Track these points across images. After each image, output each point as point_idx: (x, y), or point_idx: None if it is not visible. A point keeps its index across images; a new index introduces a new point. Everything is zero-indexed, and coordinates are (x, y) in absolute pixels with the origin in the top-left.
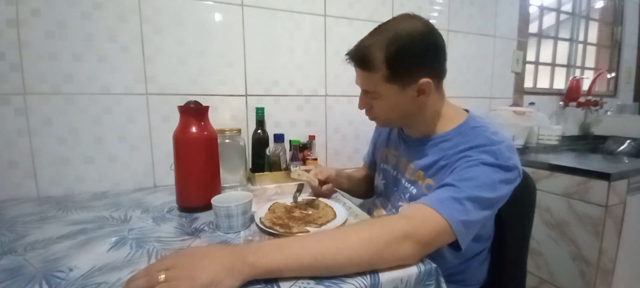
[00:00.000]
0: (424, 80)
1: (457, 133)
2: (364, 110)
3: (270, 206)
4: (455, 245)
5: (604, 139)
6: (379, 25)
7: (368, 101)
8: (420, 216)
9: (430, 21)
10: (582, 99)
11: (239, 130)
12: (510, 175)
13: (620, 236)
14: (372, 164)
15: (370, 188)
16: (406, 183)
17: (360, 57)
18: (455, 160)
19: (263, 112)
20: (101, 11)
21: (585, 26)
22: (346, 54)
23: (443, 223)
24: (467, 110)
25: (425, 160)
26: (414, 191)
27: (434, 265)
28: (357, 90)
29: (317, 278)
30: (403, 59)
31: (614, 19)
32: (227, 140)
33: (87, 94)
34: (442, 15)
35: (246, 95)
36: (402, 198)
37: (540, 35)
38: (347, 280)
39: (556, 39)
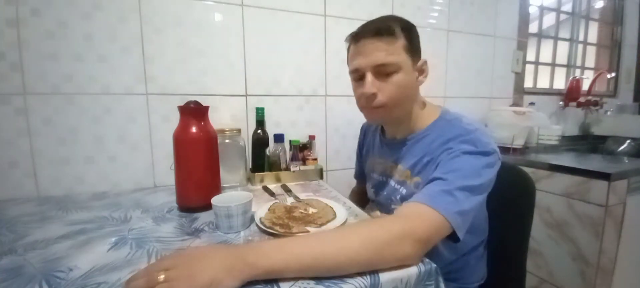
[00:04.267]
0: (424, 59)
1: (434, 128)
2: (362, 104)
3: (270, 206)
4: (452, 238)
5: (604, 139)
6: (372, 19)
7: (378, 82)
8: (416, 214)
9: (430, 21)
10: (582, 99)
11: (239, 130)
12: (490, 159)
13: (620, 236)
14: (363, 176)
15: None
16: (395, 185)
17: (379, 26)
18: (438, 154)
19: (263, 112)
20: (101, 11)
21: (585, 26)
22: (357, 32)
23: (439, 218)
24: (440, 106)
25: (410, 159)
26: (404, 191)
27: (434, 265)
28: None
29: (317, 278)
30: (414, 31)
31: (614, 19)
32: (227, 140)
33: (87, 94)
34: (442, 15)
35: (246, 95)
36: (393, 200)
37: (540, 35)
38: (347, 280)
39: (556, 39)
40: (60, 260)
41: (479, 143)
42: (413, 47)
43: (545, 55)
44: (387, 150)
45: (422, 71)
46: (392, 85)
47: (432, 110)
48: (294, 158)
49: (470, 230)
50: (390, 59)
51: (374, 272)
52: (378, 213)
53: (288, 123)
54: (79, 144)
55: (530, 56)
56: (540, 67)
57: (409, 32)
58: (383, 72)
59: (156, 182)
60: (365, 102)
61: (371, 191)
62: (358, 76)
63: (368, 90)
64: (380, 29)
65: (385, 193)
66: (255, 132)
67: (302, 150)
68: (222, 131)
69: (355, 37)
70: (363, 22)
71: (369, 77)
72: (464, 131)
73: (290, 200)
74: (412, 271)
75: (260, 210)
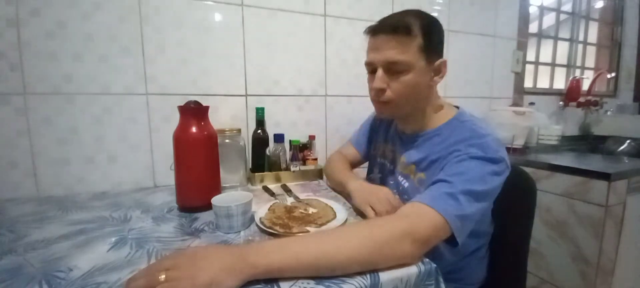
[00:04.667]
0: (443, 60)
1: (447, 128)
2: (373, 99)
3: (270, 206)
4: (452, 241)
5: (604, 139)
6: (394, 13)
7: (388, 79)
8: (417, 214)
9: None
10: (582, 99)
11: (239, 130)
12: (498, 167)
13: (620, 236)
14: (366, 154)
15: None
16: (399, 176)
17: (397, 23)
18: (446, 155)
19: (263, 112)
20: (101, 11)
21: (585, 26)
22: (374, 27)
23: (439, 219)
24: (457, 107)
25: (416, 155)
26: (406, 184)
27: (433, 265)
28: (357, 90)
29: (317, 278)
30: (435, 31)
31: (614, 19)
32: (227, 140)
33: (87, 94)
34: (442, 15)
35: (246, 95)
36: (395, 191)
37: (540, 35)
38: (347, 280)
39: (556, 39)
40: (60, 260)
41: (488, 149)
42: (431, 47)
43: (545, 55)
44: (399, 140)
45: (438, 71)
46: (401, 83)
47: (448, 110)
48: (294, 158)
49: (474, 235)
50: (402, 58)
51: (374, 271)
52: None
53: (288, 123)
54: (79, 144)
55: (530, 56)
56: (540, 67)
57: (429, 31)
58: (394, 69)
59: (156, 182)
60: (374, 96)
61: (377, 176)
62: (371, 69)
63: (377, 85)
64: (397, 26)
65: (391, 182)
66: (255, 132)
67: (302, 150)
68: (222, 131)
69: (373, 31)
70: (363, 22)
71: (380, 72)
72: (474, 135)
73: (290, 200)
74: (412, 271)
75: (260, 210)
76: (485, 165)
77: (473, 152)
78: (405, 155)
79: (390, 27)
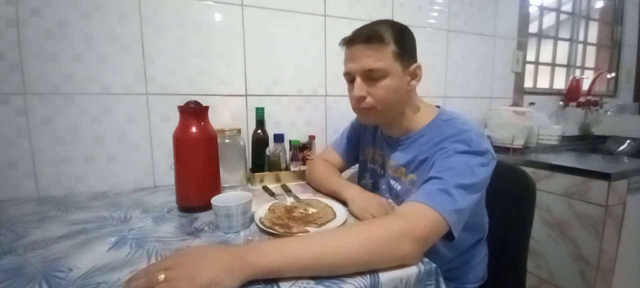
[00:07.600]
0: (417, 64)
1: (431, 128)
2: (355, 107)
3: (270, 206)
4: (448, 236)
5: (604, 139)
6: (366, 24)
7: (367, 86)
8: (414, 213)
9: (430, 21)
10: (582, 99)
11: (239, 130)
12: (484, 159)
13: (620, 236)
14: (351, 160)
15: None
16: (391, 180)
17: (370, 32)
18: (433, 153)
19: (263, 112)
20: (101, 11)
21: (585, 26)
22: (349, 38)
23: (436, 216)
24: (438, 106)
25: (405, 157)
26: (398, 187)
27: (433, 265)
28: None
29: (317, 278)
30: (406, 38)
31: (614, 19)
32: (227, 140)
33: (87, 94)
34: (442, 15)
35: (246, 95)
36: (388, 195)
37: (540, 35)
38: (347, 280)
39: (556, 39)
40: (60, 260)
41: (472, 143)
42: (404, 53)
43: (545, 55)
44: (386, 144)
45: (414, 75)
46: (380, 89)
47: (429, 111)
48: (294, 159)
49: (468, 228)
50: (378, 65)
51: (373, 271)
52: None
53: (288, 123)
54: (79, 144)
55: (530, 56)
56: (540, 67)
57: (401, 38)
58: (371, 76)
59: (156, 182)
60: (356, 104)
61: (369, 182)
62: (350, 79)
63: (357, 93)
64: (370, 36)
65: (383, 186)
66: (255, 132)
67: (302, 150)
68: (222, 131)
69: (348, 42)
70: (362, 23)
71: (358, 80)
72: (457, 131)
73: (290, 200)
74: (412, 271)
75: (260, 210)
76: (472, 158)
77: (459, 147)
78: (394, 158)
79: (364, 37)
